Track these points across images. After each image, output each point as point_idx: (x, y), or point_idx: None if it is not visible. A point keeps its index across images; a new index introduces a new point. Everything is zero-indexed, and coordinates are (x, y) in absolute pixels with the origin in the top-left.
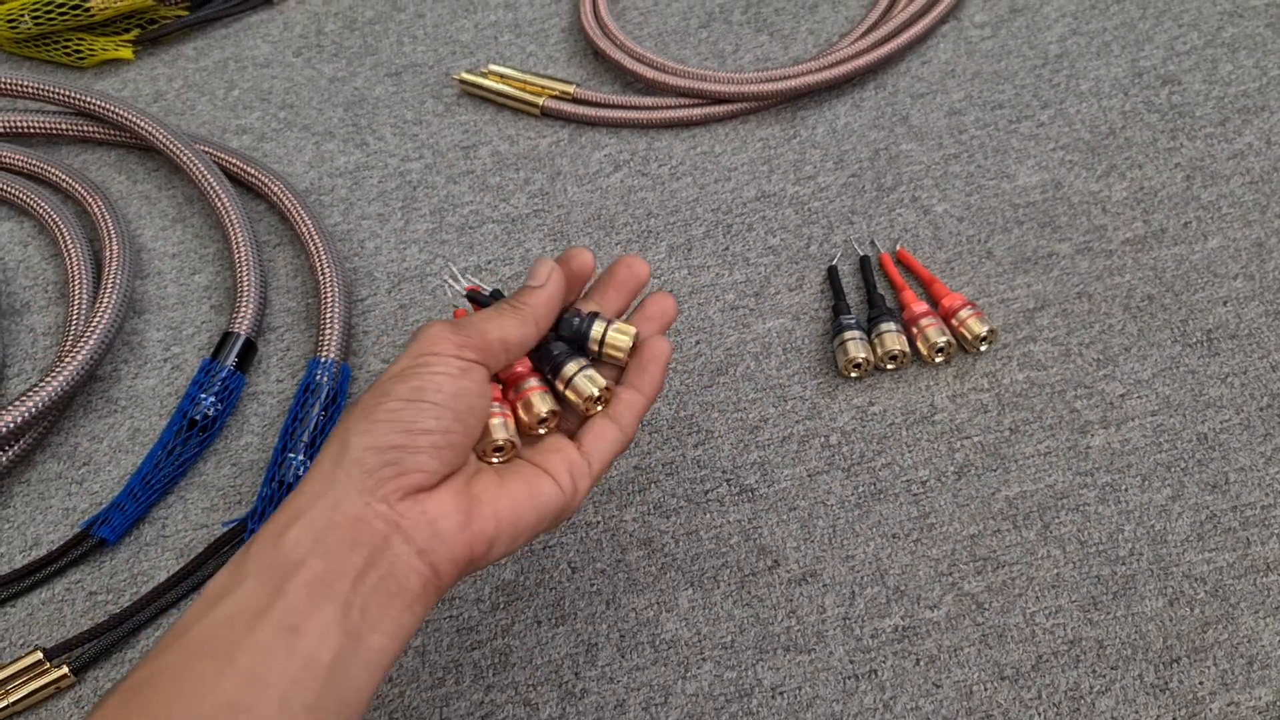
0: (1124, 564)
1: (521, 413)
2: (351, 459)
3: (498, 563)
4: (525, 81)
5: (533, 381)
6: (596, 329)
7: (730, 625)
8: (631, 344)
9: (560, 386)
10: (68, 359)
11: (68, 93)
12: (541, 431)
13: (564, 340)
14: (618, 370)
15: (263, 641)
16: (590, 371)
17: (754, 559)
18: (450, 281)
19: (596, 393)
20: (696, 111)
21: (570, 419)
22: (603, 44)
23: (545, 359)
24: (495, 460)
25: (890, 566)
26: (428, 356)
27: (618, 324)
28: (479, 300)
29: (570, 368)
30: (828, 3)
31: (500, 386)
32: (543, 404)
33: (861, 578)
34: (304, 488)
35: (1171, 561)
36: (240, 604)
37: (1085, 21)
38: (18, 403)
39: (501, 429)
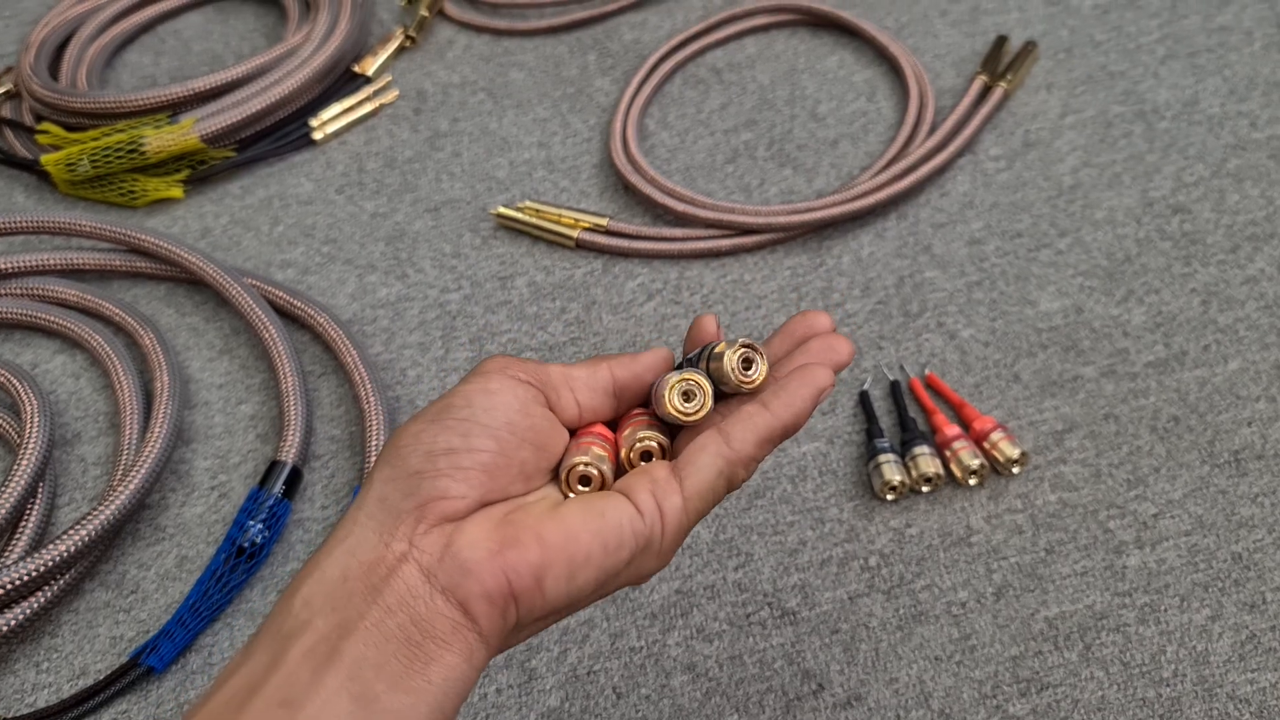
0: (1168, 685)
1: (623, 448)
2: (374, 498)
3: (562, 610)
4: (559, 215)
5: (643, 420)
6: (718, 347)
7: None
8: (740, 363)
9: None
10: (119, 488)
11: (121, 231)
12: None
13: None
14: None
15: None
16: (693, 373)
17: (798, 683)
18: None
19: (676, 381)
20: (725, 242)
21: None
22: (634, 179)
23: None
24: (580, 490)
25: (934, 689)
26: (469, 380)
27: (741, 342)
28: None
29: (671, 376)
30: (848, 139)
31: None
32: (640, 438)
33: (906, 701)
34: (327, 541)
35: (1215, 683)
36: (240, 683)
37: (1095, 155)
38: (70, 532)
39: (589, 454)
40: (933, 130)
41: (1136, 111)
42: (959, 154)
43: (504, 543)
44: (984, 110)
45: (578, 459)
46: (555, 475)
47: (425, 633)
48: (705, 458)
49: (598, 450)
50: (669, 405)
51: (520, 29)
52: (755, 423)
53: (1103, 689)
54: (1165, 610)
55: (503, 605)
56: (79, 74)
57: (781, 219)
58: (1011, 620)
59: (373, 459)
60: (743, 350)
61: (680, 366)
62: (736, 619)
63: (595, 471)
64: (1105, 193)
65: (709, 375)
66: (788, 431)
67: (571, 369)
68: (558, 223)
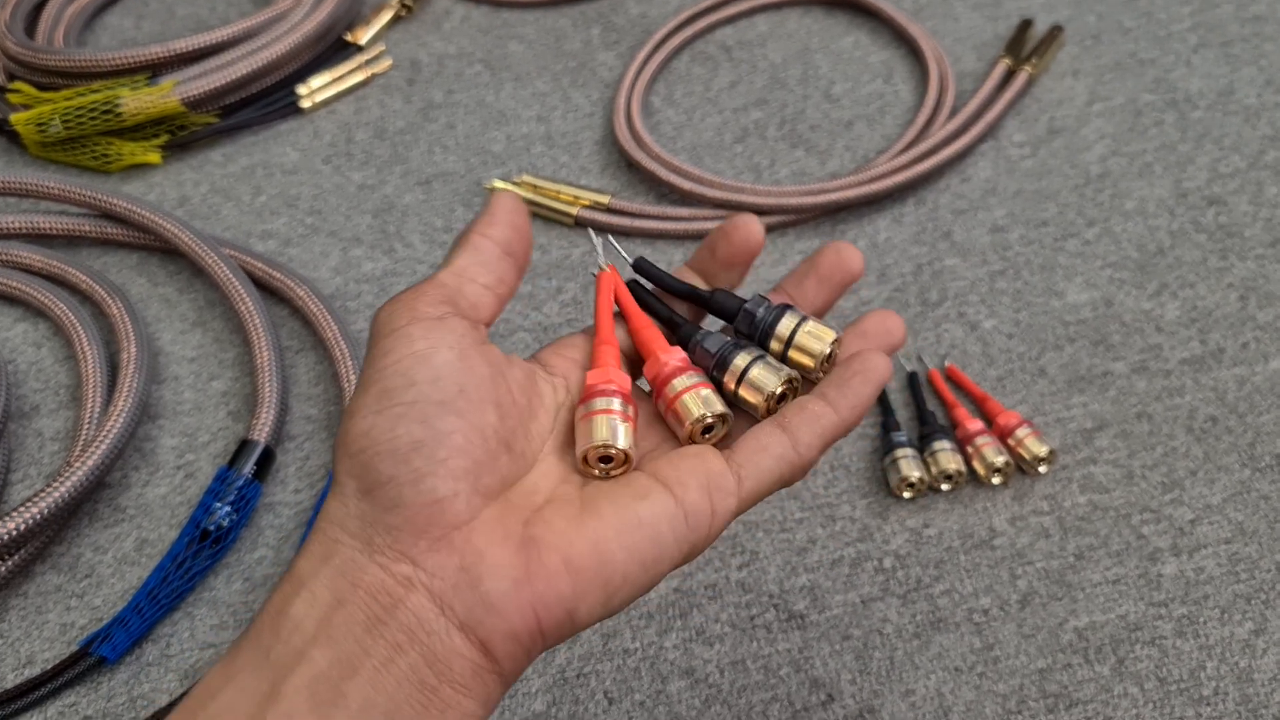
0: (1209, 704)
1: (677, 422)
2: (350, 511)
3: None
4: (558, 191)
5: (692, 378)
6: (786, 323)
7: None
8: (829, 351)
9: (731, 386)
10: (76, 465)
11: (92, 194)
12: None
13: (742, 335)
14: (808, 386)
15: None
16: (770, 361)
17: (806, 692)
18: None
19: (779, 388)
20: None
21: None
22: (638, 155)
23: (703, 356)
24: (599, 473)
25: (954, 703)
26: (383, 342)
27: (814, 322)
28: (643, 270)
29: (741, 359)
30: (863, 121)
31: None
32: (703, 406)
33: (923, 715)
34: (307, 547)
35: (1260, 702)
36: (226, 712)
37: (1125, 143)
38: (20, 509)
39: (609, 431)
40: (953, 114)
41: (1168, 100)
42: (981, 139)
43: (530, 569)
44: (1007, 95)
45: (597, 438)
46: (537, 437)
47: (441, 675)
48: (768, 460)
49: (626, 428)
50: (764, 411)
51: (521, 0)
52: (823, 425)
53: (1137, 706)
54: (1205, 623)
55: (529, 644)
56: (56, 34)
57: (794, 200)
58: (1038, 630)
59: None
60: (828, 345)
61: (755, 314)
62: (740, 621)
63: (621, 455)
64: (1135, 182)
65: (760, 356)
66: (848, 430)
67: (454, 264)
68: (556, 199)
